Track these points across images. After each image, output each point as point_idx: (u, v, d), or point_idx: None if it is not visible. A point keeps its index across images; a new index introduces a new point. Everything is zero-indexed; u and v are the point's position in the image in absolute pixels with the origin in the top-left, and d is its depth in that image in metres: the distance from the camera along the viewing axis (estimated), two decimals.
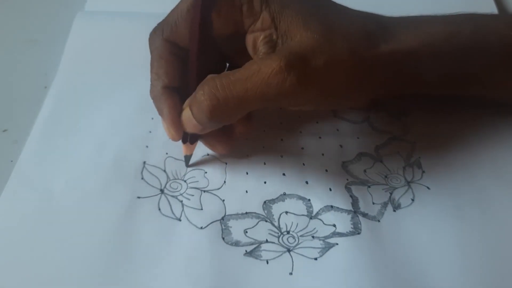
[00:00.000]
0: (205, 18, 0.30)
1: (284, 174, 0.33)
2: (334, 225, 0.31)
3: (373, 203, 0.32)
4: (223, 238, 0.30)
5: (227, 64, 0.35)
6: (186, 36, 0.31)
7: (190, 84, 0.31)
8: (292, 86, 0.28)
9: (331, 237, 0.30)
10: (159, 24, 0.32)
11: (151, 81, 0.32)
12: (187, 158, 0.34)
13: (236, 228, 0.31)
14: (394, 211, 0.32)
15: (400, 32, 0.31)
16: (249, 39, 0.31)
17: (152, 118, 0.36)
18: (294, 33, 0.29)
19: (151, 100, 0.32)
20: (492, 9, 0.45)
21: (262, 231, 0.31)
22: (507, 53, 0.33)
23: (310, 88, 0.29)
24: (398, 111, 0.37)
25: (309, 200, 0.32)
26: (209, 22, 0.30)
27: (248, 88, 0.28)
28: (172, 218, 0.31)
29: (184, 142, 0.33)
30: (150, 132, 0.36)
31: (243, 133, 0.33)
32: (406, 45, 0.31)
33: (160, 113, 0.32)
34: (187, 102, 0.30)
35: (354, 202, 0.32)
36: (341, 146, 0.35)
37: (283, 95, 0.28)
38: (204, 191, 0.33)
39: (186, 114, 0.30)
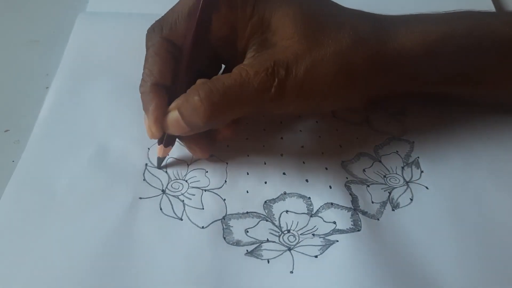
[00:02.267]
0: (205, 21, 0.30)
1: (284, 174, 0.34)
2: (334, 222, 0.31)
3: (372, 202, 0.32)
4: (224, 238, 0.30)
5: (223, 66, 0.35)
6: (184, 37, 0.31)
7: (179, 84, 0.31)
8: (275, 93, 0.29)
9: (331, 234, 0.31)
10: (158, 22, 0.32)
11: (142, 76, 0.32)
12: (160, 160, 0.34)
13: (237, 228, 0.31)
14: (393, 210, 0.32)
15: (395, 31, 0.31)
16: (241, 39, 0.31)
17: None
18: (282, 35, 0.30)
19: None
20: (489, 6, 0.45)
21: (262, 230, 0.31)
22: (503, 51, 0.33)
23: (286, 95, 0.30)
24: (397, 112, 0.38)
25: (309, 198, 0.32)
26: (208, 25, 0.31)
27: (241, 94, 0.29)
28: (173, 217, 0.31)
29: (160, 143, 0.33)
30: None
31: (227, 137, 0.34)
32: (401, 44, 0.31)
33: (145, 109, 0.32)
34: (174, 104, 0.30)
35: (354, 200, 0.32)
36: (340, 146, 0.36)
37: (268, 100, 0.30)
38: (205, 191, 0.33)
39: (174, 116, 0.30)
